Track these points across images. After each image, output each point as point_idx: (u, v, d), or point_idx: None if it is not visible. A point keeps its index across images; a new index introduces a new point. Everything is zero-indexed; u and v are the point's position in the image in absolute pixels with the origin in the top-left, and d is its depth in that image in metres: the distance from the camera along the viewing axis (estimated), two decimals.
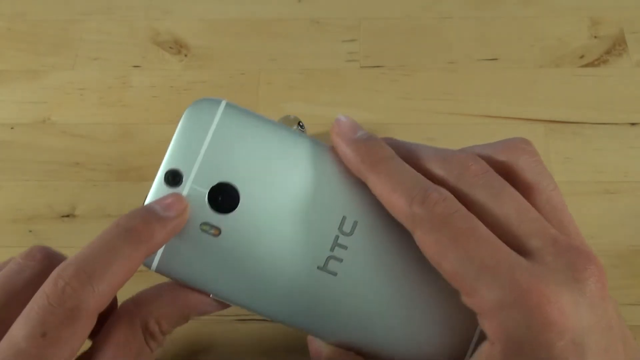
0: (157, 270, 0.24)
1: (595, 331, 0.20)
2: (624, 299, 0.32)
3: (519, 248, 0.21)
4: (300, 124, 0.35)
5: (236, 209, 0.24)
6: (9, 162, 0.37)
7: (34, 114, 0.39)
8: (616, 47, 0.40)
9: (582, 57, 0.40)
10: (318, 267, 0.24)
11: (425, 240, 0.21)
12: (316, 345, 0.24)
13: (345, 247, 0.24)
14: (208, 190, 0.24)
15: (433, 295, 0.24)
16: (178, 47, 0.41)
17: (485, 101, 0.38)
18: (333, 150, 0.24)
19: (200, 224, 0.24)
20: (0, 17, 0.43)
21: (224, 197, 0.24)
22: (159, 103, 0.39)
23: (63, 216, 0.35)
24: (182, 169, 0.24)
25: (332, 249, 0.24)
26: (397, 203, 0.22)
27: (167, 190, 0.24)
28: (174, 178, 0.24)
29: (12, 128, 0.38)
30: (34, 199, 0.36)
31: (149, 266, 0.24)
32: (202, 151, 0.24)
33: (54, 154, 0.37)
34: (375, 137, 0.24)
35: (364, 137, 0.24)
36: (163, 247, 0.23)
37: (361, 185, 0.24)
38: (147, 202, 0.24)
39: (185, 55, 0.41)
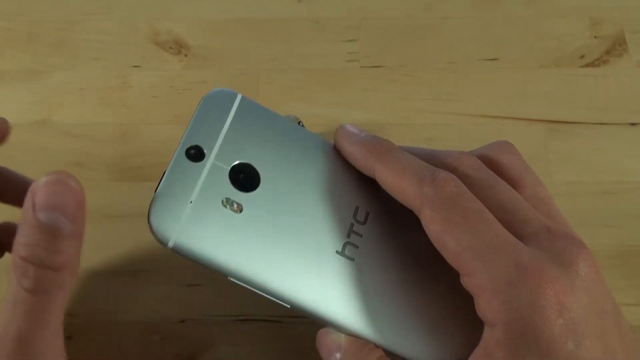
0: (174, 248, 0.23)
1: (592, 313, 0.20)
2: (624, 299, 0.32)
3: (515, 234, 0.22)
4: (300, 123, 0.35)
5: (257, 189, 0.24)
6: (9, 162, 0.37)
7: (34, 114, 0.39)
8: (616, 47, 0.40)
9: (582, 57, 0.40)
10: (337, 252, 0.24)
11: (433, 217, 0.22)
12: (331, 337, 0.24)
13: (360, 235, 0.24)
14: (230, 168, 0.24)
15: (441, 290, 0.24)
16: (178, 47, 0.41)
17: (485, 101, 0.38)
18: (337, 151, 0.26)
19: (222, 200, 0.24)
20: (0, 17, 0.43)
21: (245, 177, 0.24)
22: (159, 103, 0.39)
23: None
24: (203, 145, 0.24)
25: (348, 236, 0.24)
26: (406, 186, 0.23)
27: (189, 164, 0.24)
28: (196, 153, 0.24)
29: (12, 128, 0.38)
30: None
31: (165, 244, 0.23)
32: (223, 132, 0.24)
33: (54, 154, 0.37)
34: (378, 136, 0.25)
35: (368, 136, 0.25)
36: (181, 223, 0.23)
37: (369, 182, 0.25)
38: (166, 176, 0.23)
39: (185, 55, 0.41)
